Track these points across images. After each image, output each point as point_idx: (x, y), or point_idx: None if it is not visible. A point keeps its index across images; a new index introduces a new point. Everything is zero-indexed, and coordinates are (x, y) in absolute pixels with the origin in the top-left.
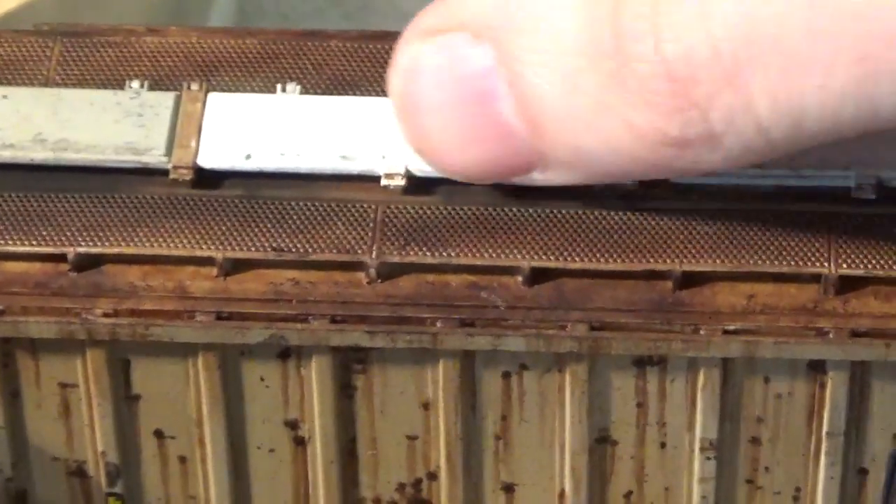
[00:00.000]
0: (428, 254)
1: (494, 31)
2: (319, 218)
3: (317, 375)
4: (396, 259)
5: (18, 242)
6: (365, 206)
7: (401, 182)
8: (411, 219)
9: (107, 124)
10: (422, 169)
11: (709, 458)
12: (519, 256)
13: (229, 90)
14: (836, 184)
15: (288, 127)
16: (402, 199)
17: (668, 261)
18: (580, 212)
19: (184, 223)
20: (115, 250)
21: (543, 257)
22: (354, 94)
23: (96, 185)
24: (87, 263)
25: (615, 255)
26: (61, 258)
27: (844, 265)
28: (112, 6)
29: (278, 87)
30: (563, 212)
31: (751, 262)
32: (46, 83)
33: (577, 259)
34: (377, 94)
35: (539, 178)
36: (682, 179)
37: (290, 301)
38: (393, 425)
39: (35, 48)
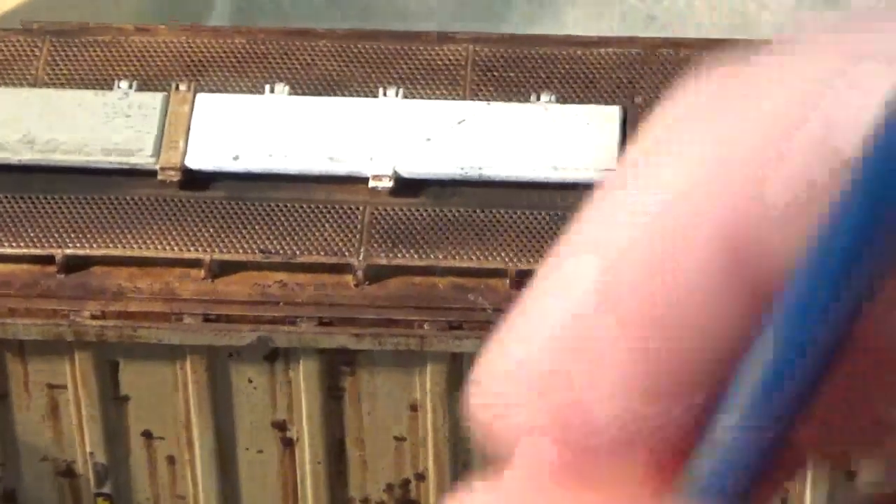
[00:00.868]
0: (415, 256)
1: None
2: (307, 220)
3: (304, 377)
4: (384, 261)
5: (6, 244)
6: (352, 207)
7: (388, 183)
8: (399, 220)
9: (95, 125)
10: (409, 170)
11: None
12: (506, 259)
13: (218, 90)
14: None
15: (276, 128)
16: (390, 200)
17: None
18: (568, 214)
19: (171, 225)
20: (103, 252)
21: (531, 260)
22: (343, 94)
23: (84, 186)
24: (75, 265)
25: None
26: (49, 260)
27: None
28: (112, 5)
29: (267, 87)
30: (551, 214)
31: None
32: (35, 83)
33: None
34: (366, 94)
35: None
36: None
37: (277, 303)
38: (381, 427)
39: (24, 47)
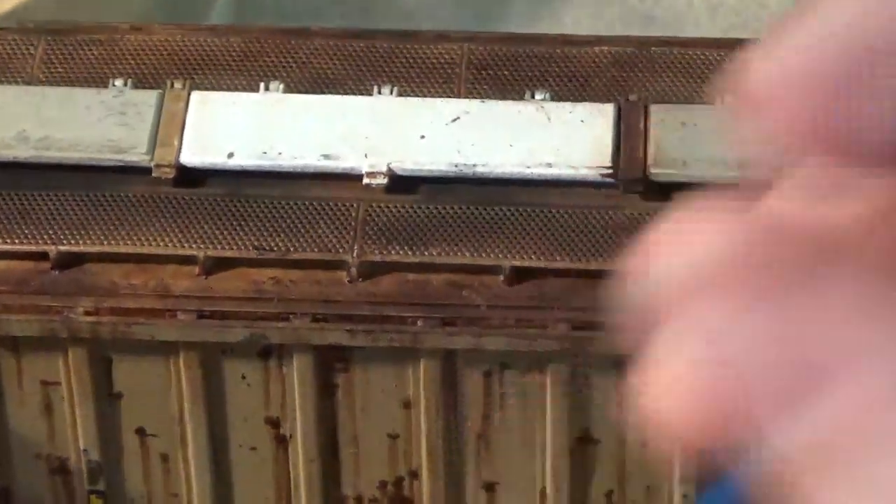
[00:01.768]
0: (409, 253)
1: None
2: (301, 217)
3: (298, 374)
4: (378, 258)
5: (0, 240)
6: (347, 204)
7: (383, 181)
8: (393, 217)
9: (90, 122)
10: (404, 168)
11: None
12: (500, 256)
13: (213, 88)
14: None
15: (270, 125)
16: (384, 197)
17: None
18: (562, 212)
19: (166, 222)
20: (97, 249)
21: (525, 257)
22: (338, 92)
23: (79, 183)
24: (69, 262)
25: (596, 255)
26: (43, 256)
27: None
28: (111, 4)
29: (261, 84)
30: (545, 211)
31: None
32: (30, 81)
33: (558, 259)
34: (360, 93)
35: None
36: (664, 178)
37: (271, 300)
38: (374, 424)
39: (19, 46)
